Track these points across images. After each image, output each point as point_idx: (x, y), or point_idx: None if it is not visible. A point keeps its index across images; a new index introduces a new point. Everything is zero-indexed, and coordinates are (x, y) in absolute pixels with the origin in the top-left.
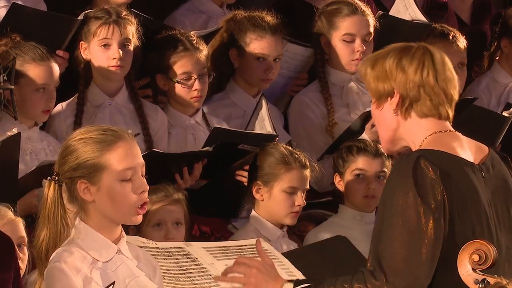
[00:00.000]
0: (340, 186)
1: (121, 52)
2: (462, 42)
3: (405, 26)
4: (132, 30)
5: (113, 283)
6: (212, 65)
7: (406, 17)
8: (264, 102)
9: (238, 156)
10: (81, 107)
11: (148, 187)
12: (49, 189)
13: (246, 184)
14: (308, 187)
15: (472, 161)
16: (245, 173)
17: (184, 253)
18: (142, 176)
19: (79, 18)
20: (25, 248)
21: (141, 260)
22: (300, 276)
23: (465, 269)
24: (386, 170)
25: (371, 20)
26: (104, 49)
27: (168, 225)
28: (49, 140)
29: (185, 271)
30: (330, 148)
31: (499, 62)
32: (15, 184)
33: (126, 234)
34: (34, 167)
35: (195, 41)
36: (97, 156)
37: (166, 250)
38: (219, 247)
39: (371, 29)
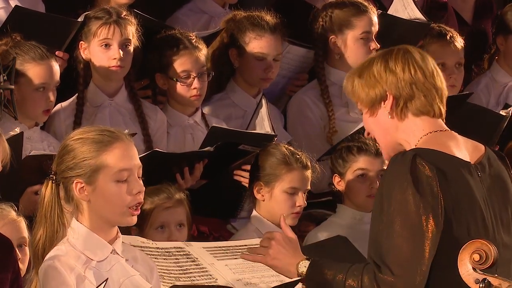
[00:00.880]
0: (340, 187)
1: (121, 52)
2: (459, 42)
3: (404, 25)
4: (132, 30)
5: (106, 280)
6: (212, 65)
7: (405, 16)
8: (264, 102)
9: (238, 156)
10: (81, 107)
11: (144, 188)
12: (46, 188)
13: (245, 184)
14: (309, 187)
15: (468, 160)
16: (244, 173)
17: (184, 253)
18: (139, 177)
19: (79, 19)
20: (26, 248)
21: (139, 261)
22: None
23: (466, 268)
24: None
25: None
26: (104, 49)
27: (171, 228)
28: (50, 140)
29: (185, 271)
30: (331, 150)
31: (498, 62)
32: (18, 183)
33: (128, 235)
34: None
35: (194, 40)
36: (94, 156)
37: (166, 250)
38: (219, 247)
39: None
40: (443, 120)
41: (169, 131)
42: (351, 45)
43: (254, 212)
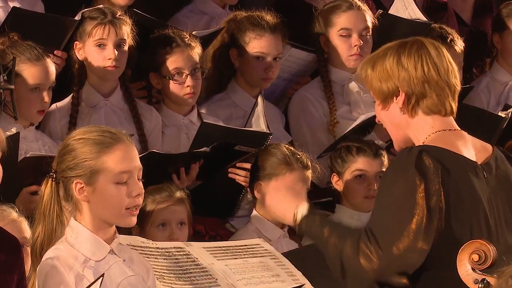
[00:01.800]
0: (338, 186)
1: (116, 52)
2: (459, 46)
3: (404, 25)
4: (127, 30)
5: (102, 275)
6: (213, 66)
7: (405, 16)
8: (260, 100)
9: (234, 157)
10: (76, 107)
11: (143, 191)
12: (46, 186)
13: (240, 182)
14: (309, 187)
15: (475, 160)
16: (239, 171)
17: (184, 253)
18: (139, 179)
19: (76, 18)
20: (28, 248)
21: (135, 262)
22: (300, 276)
23: (465, 269)
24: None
25: (368, 16)
26: (99, 49)
27: (172, 226)
28: (45, 140)
29: (185, 271)
30: (332, 146)
31: (498, 61)
32: (14, 184)
33: (130, 235)
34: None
35: (187, 39)
36: (95, 158)
37: (166, 250)
38: (219, 247)
39: (369, 24)
40: (454, 117)
41: (164, 131)
42: (333, 43)
43: (254, 212)
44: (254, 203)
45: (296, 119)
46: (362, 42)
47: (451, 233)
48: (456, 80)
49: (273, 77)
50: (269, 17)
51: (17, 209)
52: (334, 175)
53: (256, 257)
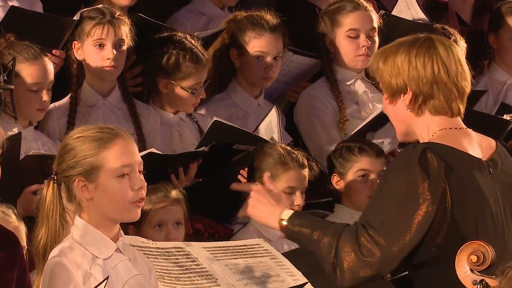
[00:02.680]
0: (339, 186)
1: (115, 52)
2: (461, 46)
3: (406, 25)
4: (126, 30)
5: (107, 278)
6: (214, 66)
7: (408, 16)
8: (275, 112)
9: (231, 155)
10: (74, 107)
11: (145, 184)
12: (48, 188)
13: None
14: (307, 186)
15: (480, 157)
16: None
17: (184, 253)
18: (140, 172)
19: (75, 17)
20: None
21: (138, 261)
22: (300, 276)
23: (463, 270)
24: None
25: (375, 16)
26: (98, 49)
27: (169, 226)
28: (44, 140)
29: (185, 271)
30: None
31: (495, 60)
32: (16, 184)
33: (126, 235)
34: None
35: (117, 14)
36: (94, 154)
37: (166, 250)
38: (219, 247)
39: (375, 25)
40: (461, 117)
41: None
42: (340, 43)
43: None
44: None
45: (306, 117)
46: (370, 43)
47: (457, 230)
48: (465, 82)
49: (273, 76)
50: (269, 17)
51: (16, 212)
52: (334, 175)
53: (256, 257)
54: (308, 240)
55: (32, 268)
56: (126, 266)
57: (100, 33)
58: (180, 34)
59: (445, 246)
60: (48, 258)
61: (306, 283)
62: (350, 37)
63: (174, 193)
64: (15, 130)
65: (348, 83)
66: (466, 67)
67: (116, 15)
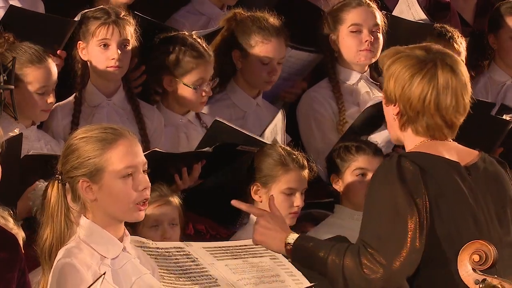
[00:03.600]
0: (338, 186)
1: (119, 52)
2: (459, 44)
3: (407, 25)
4: (130, 30)
5: (104, 274)
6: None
7: (409, 17)
8: (281, 116)
9: (235, 156)
10: (79, 107)
11: (150, 184)
12: (52, 189)
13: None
14: (306, 187)
15: (458, 161)
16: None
17: (184, 253)
18: (144, 172)
19: (76, 18)
20: None
21: (142, 261)
22: (300, 276)
23: (465, 269)
24: None
25: (378, 13)
26: (103, 50)
27: (164, 225)
28: (47, 139)
29: (185, 271)
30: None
31: (495, 61)
32: (17, 185)
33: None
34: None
35: (122, 14)
36: (98, 155)
37: (166, 250)
38: (219, 247)
39: (379, 21)
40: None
41: None
42: (343, 39)
43: None
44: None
45: (305, 119)
46: (373, 38)
47: (436, 230)
48: (457, 114)
49: (275, 80)
50: (273, 20)
51: (12, 214)
52: (333, 175)
53: (256, 257)
54: (315, 262)
55: (31, 269)
56: (134, 266)
57: (105, 33)
58: (183, 32)
59: (429, 247)
60: (56, 259)
61: (312, 285)
62: (353, 32)
63: (168, 193)
64: (16, 131)
65: (351, 83)
66: (462, 99)
67: (121, 15)
